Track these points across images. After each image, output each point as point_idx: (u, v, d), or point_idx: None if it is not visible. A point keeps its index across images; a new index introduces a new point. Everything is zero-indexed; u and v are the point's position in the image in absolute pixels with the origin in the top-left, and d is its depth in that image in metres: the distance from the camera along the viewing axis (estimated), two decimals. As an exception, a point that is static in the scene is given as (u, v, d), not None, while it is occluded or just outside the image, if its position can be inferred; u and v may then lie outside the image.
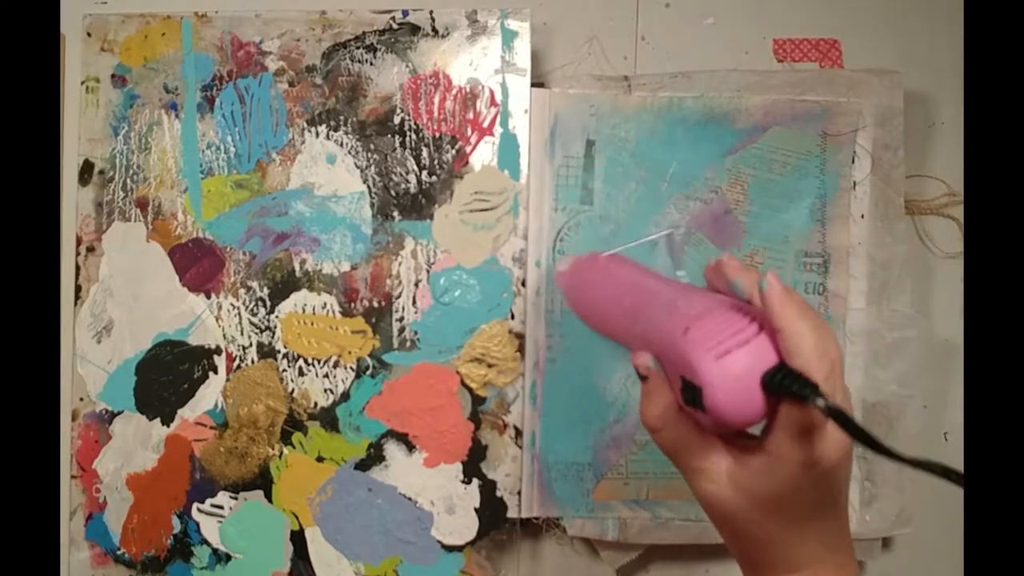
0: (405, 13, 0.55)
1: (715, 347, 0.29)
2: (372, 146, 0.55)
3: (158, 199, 0.57)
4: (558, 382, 0.54)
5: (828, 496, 0.31)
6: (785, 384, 0.28)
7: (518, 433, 0.54)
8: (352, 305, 0.55)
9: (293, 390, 0.55)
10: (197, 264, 0.56)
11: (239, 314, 0.56)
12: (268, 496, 0.55)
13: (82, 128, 0.57)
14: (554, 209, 0.55)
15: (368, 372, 0.55)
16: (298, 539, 0.55)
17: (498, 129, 0.55)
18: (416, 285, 0.55)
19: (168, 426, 0.56)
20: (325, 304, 0.55)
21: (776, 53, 0.58)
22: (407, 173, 0.55)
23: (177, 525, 0.56)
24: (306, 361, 0.55)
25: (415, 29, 0.55)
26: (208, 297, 0.56)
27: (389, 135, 0.55)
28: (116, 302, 0.57)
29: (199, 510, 0.56)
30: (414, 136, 0.55)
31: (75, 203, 0.57)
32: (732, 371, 0.29)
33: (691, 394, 0.30)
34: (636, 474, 0.54)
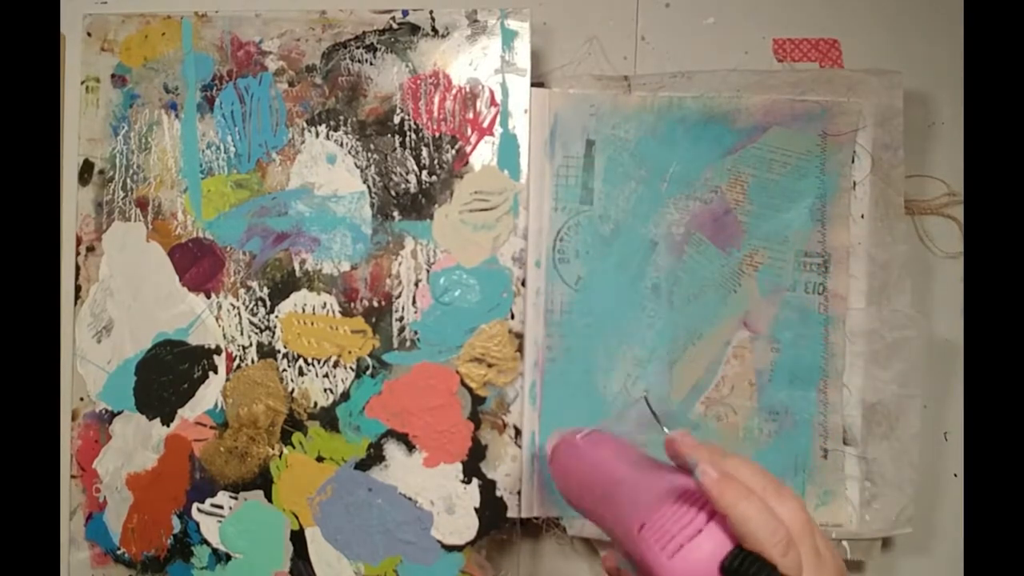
0: (405, 13, 0.55)
1: (668, 544, 0.30)
2: (372, 146, 0.55)
3: (158, 199, 0.57)
4: (558, 382, 0.54)
5: None
6: (743, 569, 0.28)
7: (518, 433, 0.54)
8: (352, 305, 0.55)
9: (293, 390, 0.55)
10: (197, 264, 0.56)
11: (239, 314, 0.56)
12: (268, 496, 0.55)
13: (82, 128, 0.57)
14: (554, 209, 0.55)
15: (368, 372, 0.55)
16: (298, 539, 0.55)
17: (498, 129, 0.55)
18: (416, 285, 0.55)
19: (168, 426, 0.56)
20: (325, 304, 0.55)
21: (776, 53, 0.58)
22: (407, 173, 0.55)
23: (177, 525, 0.56)
24: (306, 361, 0.55)
25: (415, 29, 0.55)
26: (208, 297, 0.56)
27: (389, 135, 0.55)
28: (116, 302, 0.57)
29: (199, 510, 0.56)
30: (414, 136, 0.55)
31: (75, 203, 0.57)
32: (686, 567, 0.29)
33: None
34: (636, 474, 0.54)
